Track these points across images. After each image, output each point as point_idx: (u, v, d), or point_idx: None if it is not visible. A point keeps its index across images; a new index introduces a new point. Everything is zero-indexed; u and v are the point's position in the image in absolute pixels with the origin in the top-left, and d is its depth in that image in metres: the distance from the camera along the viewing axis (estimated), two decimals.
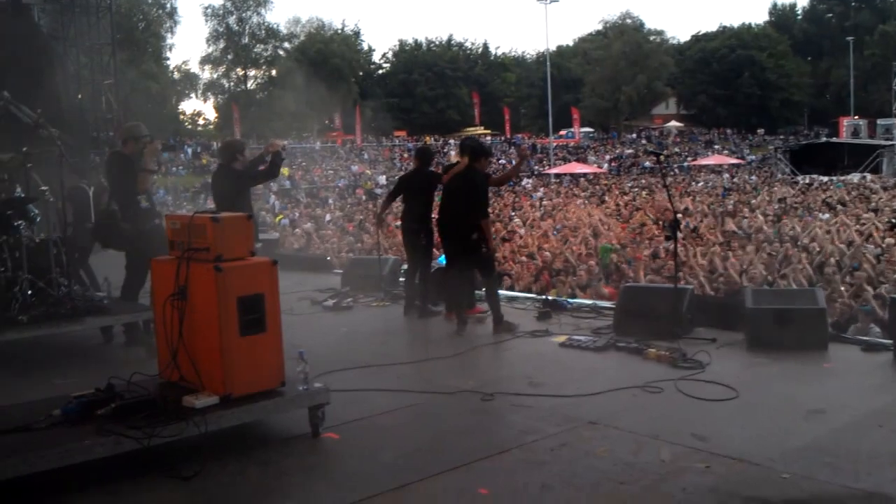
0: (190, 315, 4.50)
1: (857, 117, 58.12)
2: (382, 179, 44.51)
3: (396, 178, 11.83)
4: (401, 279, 9.74)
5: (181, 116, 68.60)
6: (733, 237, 17.21)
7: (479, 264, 7.66)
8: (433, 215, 8.60)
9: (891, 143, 46.38)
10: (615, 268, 14.14)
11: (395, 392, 5.51)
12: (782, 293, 7.47)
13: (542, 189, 39.32)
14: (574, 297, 12.69)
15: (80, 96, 15.85)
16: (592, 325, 7.51)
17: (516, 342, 7.13)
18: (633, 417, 4.87)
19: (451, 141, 58.47)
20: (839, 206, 23.76)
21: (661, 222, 20.47)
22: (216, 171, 7.05)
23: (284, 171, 46.59)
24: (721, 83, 72.35)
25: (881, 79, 64.09)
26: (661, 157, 7.09)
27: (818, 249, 14.73)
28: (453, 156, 9.88)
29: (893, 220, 18.13)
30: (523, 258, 15.78)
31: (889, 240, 15.38)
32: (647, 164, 55.06)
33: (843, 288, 11.30)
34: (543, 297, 8.92)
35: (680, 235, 7.14)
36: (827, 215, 21.52)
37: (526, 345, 7.00)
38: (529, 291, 13.59)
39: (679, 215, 7.09)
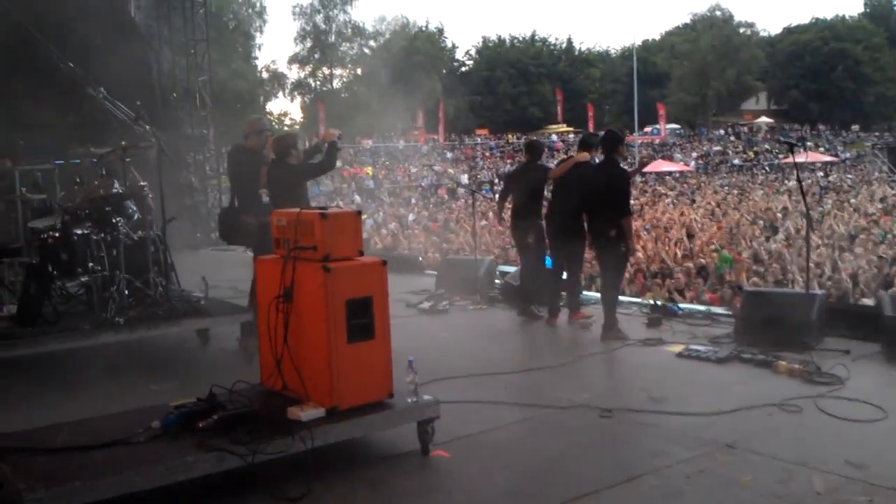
0: (295, 319, 4.23)
1: None
2: (464, 179, 44.21)
3: (504, 173, 11.55)
4: (496, 281, 9.39)
5: (269, 116, 69.50)
6: (840, 238, 16.31)
7: (612, 263, 7.23)
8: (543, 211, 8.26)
9: None
10: (715, 272, 13.53)
11: (504, 405, 5.15)
12: None
13: None
14: (672, 300, 12.23)
15: (174, 95, 15.93)
16: (709, 334, 7.00)
17: (627, 351, 6.69)
18: (773, 440, 4.39)
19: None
20: None
21: (762, 221, 19.66)
22: (270, 166, 6.78)
23: (367, 170, 46.89)
24: (814, 77, 69.61)
25: None
26: (796, 147, 6.54)
27: None
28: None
29: None
30: None
31: None
32: (737, 161, 53.44)
33: None
34: (651, 301, 8.41)
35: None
36: None
37: (638, 354, 6.57)
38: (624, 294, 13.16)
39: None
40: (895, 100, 71.12)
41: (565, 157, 8.36)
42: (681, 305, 8.35)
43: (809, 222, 6.47)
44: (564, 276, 7.93)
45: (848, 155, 57.88)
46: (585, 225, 7.52)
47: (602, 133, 7.97)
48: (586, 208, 7.40)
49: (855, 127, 66.59)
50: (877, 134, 64.36)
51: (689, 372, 5.94)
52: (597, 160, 7.80)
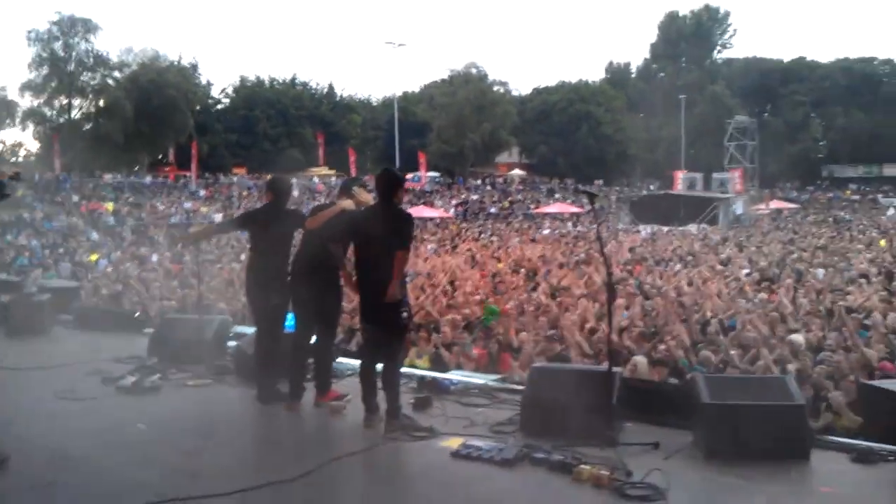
0: None
1: (687, 171, 60.31)
2: (218, 217, 41.49)
3: (242, 214, 9.58)
4: (229, 348, 7.59)
5: (0, 146, 62.51)
6: (599, 289, 16.04)
7: (391, 332, 5.70)
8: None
9: (726, 195, 48.09)
10: (481, 325, 12.59)
11: None
12: (742, 382, 5.70)
13: None
14: (441, 359, 11.03)
15: None
16: (490, 419, 5.68)
17: (389, 451, 5.19)
18: None
19: (294, 180, 56.06)
20: (690, 258, 23.45)
21: (522, 271, 19.22)
22: None
23: (108, 205, 42.87)
24: (560, 134, 73.86)
25: (709, 136, 67.25)
26: (595, 200, 5.36)
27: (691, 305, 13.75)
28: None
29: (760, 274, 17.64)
30: None
31: (762, 294, 14.68)
32: (493, 209, 54.83)
33: (733, 352, 10.17)
34: (418, 372, 7.00)
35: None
36: (678, 266, 21.01)
37: (405, 454, 5.09)
38: None
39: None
40: (632, 158, 77.03)
41: (322, 204, 6.79)
42: (453, 379, 6.89)
43: (612, 292, 5.15)
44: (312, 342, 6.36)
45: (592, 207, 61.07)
46: (344, 281, 6.12)
47: (370, 176, 6.40)
48: (359, 262, 5.90)
49: (598, 181, 71.08)
50: (617, 188, 69.07)
51: (471, 483, 4.55)
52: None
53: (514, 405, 5.81)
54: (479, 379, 7.03)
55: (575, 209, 55.52)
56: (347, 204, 6.18)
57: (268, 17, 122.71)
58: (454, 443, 5.06)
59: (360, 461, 4.97)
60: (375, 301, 5.58)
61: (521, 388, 6.03)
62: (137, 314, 9.85)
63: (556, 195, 62.87)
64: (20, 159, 65.68)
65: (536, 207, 55.47)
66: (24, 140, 64.85)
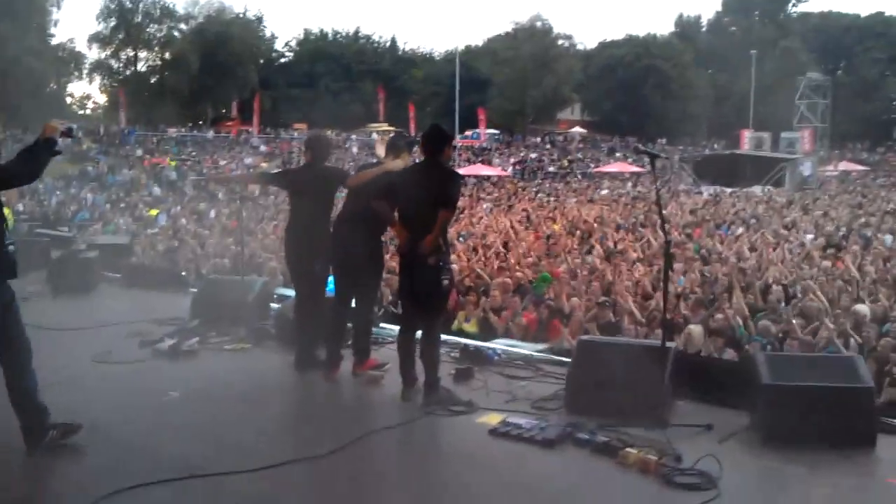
0: None
1: (754, 131, 58.52)
2: None
3: (281, 170, 9.20)
4: (272, 311, 7.46)
5: (69, 99, 63.73)
6: (657, 253, 15.58)
7: (432, 300, 5.40)
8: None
9: (794, 156, 46.48)
10: (532, 292, 12.32)
11: None
12: (806, 361, 5.36)
13: None
14: (488, 323, 10.82)
15: None
16: (533, 394, 5.44)
17: (427, 426, 4.96)
18: None
19: (353, 136, 56.11)
20: (753, 221, 22.69)
21: (577, 233, 18.82)
22: None
23: (171, 161, 43.33)
24: (625, 91, 72.02)
25: (780, 94, 64.95)
26: (656, 161, 4.94)
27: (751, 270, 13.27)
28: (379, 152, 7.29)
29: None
30: None
31: (825, 262, 14.08)
32: (552, 168, 54.07)
33: (794, 322, 9.74)
34: (462, 341, 6.76)
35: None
36: (741, 229, 20.31)
37: (442, 430, 4.89)
38: None
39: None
40: (698, 116, 74.96)
41: (368, 163, 6.49)
42: (497, 349, 6.65)
43: (668, 258, 4.73)
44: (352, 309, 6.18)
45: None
46: (387, 245, 5.82)
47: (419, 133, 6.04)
48: (400, 223, 5.56)
49: (662, 140, 69.49)
50: (681, 147, 67.38)
51: (509, 465, 4.32)
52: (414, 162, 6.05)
53: (560, 379, 5.57)
54: (525, 349, 6.78)
55: (636, 169, 54.28)
56: (394, 165, 5.92)
57: None
58: (494, 419, 4.84)
59: (395, 436, 4.79)
60: (415, 264, 5.34)
61: (567, 360, 5.77)
62: (184, 273, 9.82)
63: (617, 154, 61.67)
64: (88, 112, 66.82)
65: (596, 167, 54.46)
66: (93, 93, 65.82)
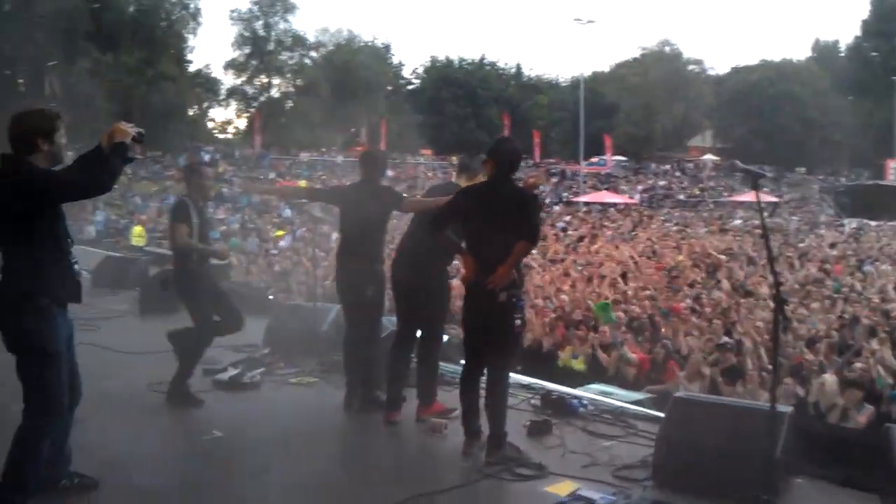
0: None
1: None
2: None
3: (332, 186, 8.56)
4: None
5: (210, 123, 66.54)
6: (792, 290, 14.35)
7: (502, 341, 4.76)
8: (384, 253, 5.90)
9: None
10: (649, 321, 11.48)
11: None
12: None
13: (567, 217, 36.40)
14: (595, 359, 10.06)
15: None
16: (619, 458, 4.69)
17: (486, 489, 4.30)
18: None
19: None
20: None
21: (701, 265, 17.70)
22: None
23: (301, 182, 44.38)
24: (759, 117, 69.15)
25: None
26: (759, 183, 4.02)
27: None
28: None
29: None
30: (538, 301, 13.13)
31: None
32: (682, 196, 52.25)
33: None
34: (543, 386, 6.04)
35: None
36: (886, 266, 18.55)
37: (504, 497, 4.23)
38: (540, 347, 10.96)
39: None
40: (839, 144, 71.15)
41: (438, 185, 5.88)
42: (584, 399, 5.87)
43: (780, 303, 3.82)
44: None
45: (792, 196, 57.14)
46: (463, 264, 5.06)
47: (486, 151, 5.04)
48: (468, 249, 4.93)
49: (801, 169, 66.24)
50: (821, 177, 64.03)
51: None
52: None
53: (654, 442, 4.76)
54: (620, 398, 6.00)
55: (773, 198, 51.89)
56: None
57: None
58: (564, 489, 4.14)
59: (449, 501, 4.15)
60: (483, 300, 4.71)
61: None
62: (271, 296, 9.53)
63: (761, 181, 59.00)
64: (229, 136, 69.50)
65: (729, 195, 52.17)
66: (234, 118, 68.58)
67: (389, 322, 5.92)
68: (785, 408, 4.47)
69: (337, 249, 5.92)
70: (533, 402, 5.60)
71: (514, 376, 6.20)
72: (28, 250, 3.72)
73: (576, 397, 5.81)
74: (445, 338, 6.26)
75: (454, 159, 55.16)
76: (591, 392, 6.21)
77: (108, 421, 4.62)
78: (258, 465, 4.47)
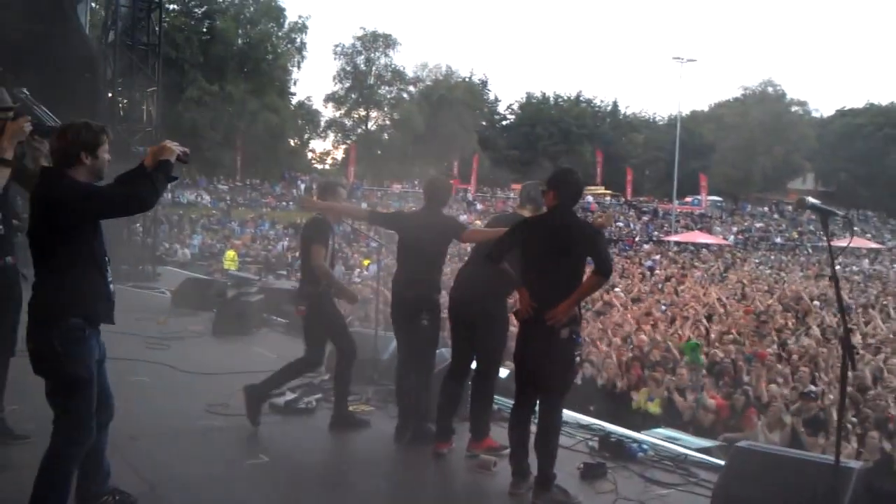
0: None
1: None
2: None
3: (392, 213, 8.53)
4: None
5: (310, 154, 68.18)
6: (886, 339, 13.65)
7: (556, 377, 4.62)
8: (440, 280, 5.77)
9: None
10: (731, 365, 11.05)
11: None
12: None
13: (656, 256, 35.62)
14: (671, 402, 9.72)
15: (122, 102, 13.86)
16: None
17: None
18: None
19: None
20: None
21: (794, 311, 17.04)
22: None
23: (363, 205, 45.16)
24: (865, 161, 66.65)
25: None
26: (829, 220, 3.77)
27: None
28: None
29: None
30: (617, 340, 12.83)
31: None
32: (779, 240, 50.67)
33: None
34: (602, 427, 5.82)
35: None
36: None
37: None
38: (614, 387, 10.67)
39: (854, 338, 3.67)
40: None
41: (501, 215, 5.69)
42: (645, 443, 5.59)
43: (848, 350, 3.50)
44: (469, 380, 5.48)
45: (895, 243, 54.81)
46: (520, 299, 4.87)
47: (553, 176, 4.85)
48: (524, 281, 4.77)
49: None
50: None
51: None
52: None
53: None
54: (687, 445, 5.72)
55: (874, 245, 49.86)
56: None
57: (557, 32, 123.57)
58: None
59: None
60: (540, 335, 4.56)
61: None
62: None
63: (855, 228, 56.77)
64: (327, 167, 71.04)
65: (830, 242, 50.27)
66: (332, 149, 70.05)
67: (446, 353, 5.81)
68: (855, 463, 4.17)
69: (394, 276, 5.83)
70: (591, 443, 5.41)
71: (574, 415, 6.03)
72: (63, 266, 3.60)
73: (636, 441, 5.57)
74: (504, 372, 6.10)
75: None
76: (655, 436, 5.95)
77: (159, 440, 4.66)
78: (301, 491, 4.43)
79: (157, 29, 14.52)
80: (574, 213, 4.77)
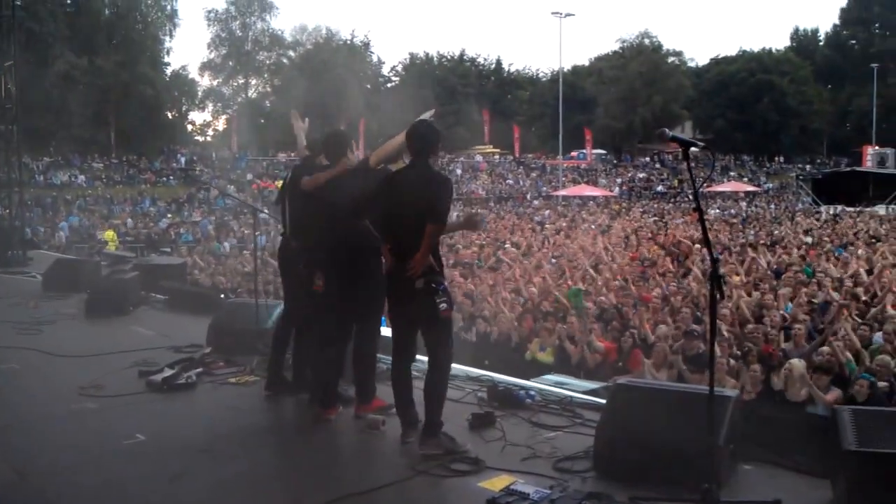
0: None
1: (878, 147, 54.85)
2: None
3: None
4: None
5: (189, 126, 65.88)
6: (763, 277, 14.19)
7: (428, 329, 4.61)
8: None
9: None
10: (617, 311, 11.28)
11: None
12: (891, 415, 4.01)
13: (546, 211, 36.26)
14: (563, 350, 9.87)
15: None
16: (561, 449, 4.46)
17: (417, 486, 4.07)
18: None
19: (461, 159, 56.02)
20: (874, 241, 20.77)
21: (675, 255, 17.56)
22: None
23: (279, 184, 44.15)
24: (739, 108, 69.49)
25: None
26: (689, 151, 3.78)
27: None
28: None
29: None
30: (508, 294, 12.91)
31: None
32: (661, 188, 52.29)
33: None
34: (490, 378, 5.82)
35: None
36: (861, 251, 18.43)
37: (435, 494, 4.00)
38: (508, 341, 10.76)
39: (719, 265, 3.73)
40: (818, 132, 71.46)
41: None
42: (532, 390, 5.57)
43: (716, 281, 3.58)
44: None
45: (770, 185, 57.39)
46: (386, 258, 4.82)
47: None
48: (384, 239, 4.77)
49: (779, 159, 66.47)
50: (800, 166, 64.36)
51: None
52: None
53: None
54: (574, 388, 5.78)
55: (751, 188, 52.10)
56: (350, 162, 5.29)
57: None
58: (499, 483, 3.91)
59: (381, 499, 3.93)
60: (404, 286, 4.52)
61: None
62: (223, 295, 9.30)
63: (731, 173, 59.22)
64: (209, 138, 68.92)
65: (708, 186, 52.29)
66: (213, 120, 67.91)
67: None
68: (732, 392, 4.28)
69: (286, 235, 5.69)
70: (480, 394, 5.40)
71: (464, 368, 6.00)
72: None
73: (524, 388, 5.55)
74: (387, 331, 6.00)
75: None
76: (545, 383, 6.00)
77: (31, 427, 4.39)
78: (183, 467, 4.24)
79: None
80: (426, 165, 4.69)
